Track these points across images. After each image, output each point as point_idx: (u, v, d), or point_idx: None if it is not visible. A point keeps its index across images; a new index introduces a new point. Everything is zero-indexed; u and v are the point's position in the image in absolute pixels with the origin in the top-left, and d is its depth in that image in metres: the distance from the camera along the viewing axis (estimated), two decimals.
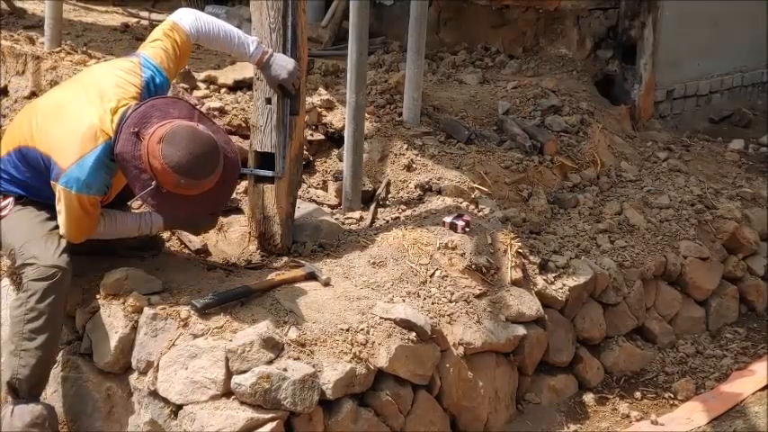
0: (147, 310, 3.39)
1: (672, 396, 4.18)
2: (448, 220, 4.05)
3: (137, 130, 3.20)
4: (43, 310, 3.27)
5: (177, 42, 3.55)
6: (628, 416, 4.03)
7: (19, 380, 3.30)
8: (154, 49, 3.53)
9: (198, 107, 3.83)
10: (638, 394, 4.20)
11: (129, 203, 3.50)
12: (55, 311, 3.31)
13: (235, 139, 4.28)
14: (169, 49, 3.53)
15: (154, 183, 3.19)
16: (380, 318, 3.47)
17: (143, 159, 3.19)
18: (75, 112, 3.33)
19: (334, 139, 4.68)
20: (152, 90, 3.46)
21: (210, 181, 3.26)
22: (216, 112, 4.51)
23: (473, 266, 3.89)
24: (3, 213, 3.48)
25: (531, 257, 4.17)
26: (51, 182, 3.32)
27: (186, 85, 4.88)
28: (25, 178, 3.47)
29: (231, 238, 4.10)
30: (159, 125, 3.20)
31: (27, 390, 3.32)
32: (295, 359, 3.20)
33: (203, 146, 3.20)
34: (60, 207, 3.33)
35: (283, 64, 3.65)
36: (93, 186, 3.27)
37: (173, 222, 3.66)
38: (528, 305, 3.96)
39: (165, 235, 3.99)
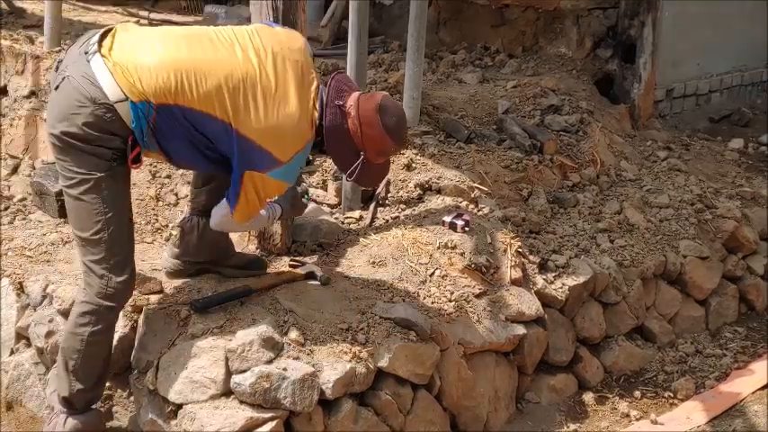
0: (147, 310, 3.39)
1: (671, 395, 4.17)
2: (447, 219, 4.05)
3: (341, 103, 3.22)
4: (106, 332, 3.19)
5: None
6: (627, 415, 4.03)
7: (74, 395, 3.21)
8: None
9: None
10: (637, 393, 4.19)
11: (345, 177, 3.33)
12: (114, 328, 3.25)
13: None
14: None
15: (362, 156, 3.23)
16: (380, 317, 3.47)
17: (352, 131, 3.20)
18: (288, 102, 3.12)
19: None
20: None
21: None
22: None
23: (473, 266, 3.89)
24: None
25: (531, 257, 4.17)
26: (248, 171, 3.08)
27: None
28: (165, 142, 3.11)
29: (231, 238, 4.09)
30: (358, 97, 3.24)
31: (84, 404, 3.25)
32: (295, 359, 3.20)
33: (402, 113, 3.35)
34: (258, 194, 3.14)
35: (284, 206, 3.54)
36: (294, 178, 3.33)
37: (286, 210, 3.58)
38: (528, 305, 3.96)
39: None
